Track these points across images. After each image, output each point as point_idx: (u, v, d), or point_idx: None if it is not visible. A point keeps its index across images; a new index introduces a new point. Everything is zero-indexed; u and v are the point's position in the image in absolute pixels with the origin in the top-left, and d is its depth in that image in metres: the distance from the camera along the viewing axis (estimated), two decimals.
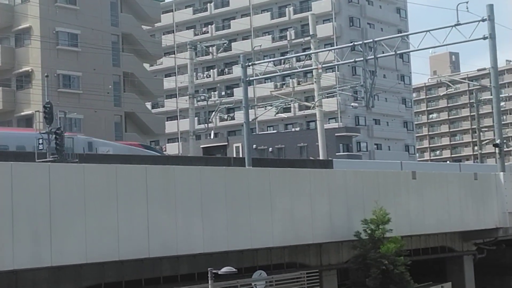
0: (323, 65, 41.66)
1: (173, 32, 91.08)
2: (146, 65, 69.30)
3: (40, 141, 28.86)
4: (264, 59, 53.77)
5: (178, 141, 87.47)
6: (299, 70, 45.16)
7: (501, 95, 43.48)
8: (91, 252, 18.56)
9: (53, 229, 17.92)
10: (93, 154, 33.60)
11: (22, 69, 54.12)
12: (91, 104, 53.36)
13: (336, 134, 67.76)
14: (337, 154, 64.99)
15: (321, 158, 42.17)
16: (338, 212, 25.13)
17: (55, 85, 51.96)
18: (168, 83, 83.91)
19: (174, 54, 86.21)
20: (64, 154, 28.17)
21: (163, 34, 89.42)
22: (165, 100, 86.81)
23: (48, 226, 17.86)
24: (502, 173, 31.31)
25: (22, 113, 53.72)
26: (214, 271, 18.61)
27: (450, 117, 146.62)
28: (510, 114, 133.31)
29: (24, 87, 54.07)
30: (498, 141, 31.77)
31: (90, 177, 18.94)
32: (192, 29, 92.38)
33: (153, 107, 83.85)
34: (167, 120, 75.75)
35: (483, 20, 32.40)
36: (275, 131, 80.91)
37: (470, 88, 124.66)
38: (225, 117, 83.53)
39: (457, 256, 32.98)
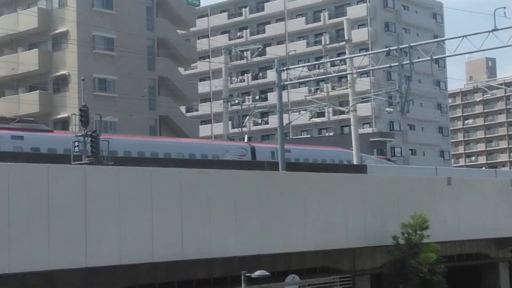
0: (358, 70, 41.46)
1: (208, 37, 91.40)
2: (181, 69, 69.62)
3: (76, 143, 29.12)
4: (298, 64, 53.67)
5: None
6: (334, 75, 44.98)
7: None
8: (125, 253, 18.69)
9: (88, 231, 18.07)
10: (128, 157, 33.79)
11: (59, 73, 54.71)
12: (126, 107, 53.76)
13: (370, 139, 67.48)
14: None
15: (355, 163, 41.97)
16: (372, 217, 25.03)
17: (91, 89, 52.45)
18: (203, 87, 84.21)
19: (209, 58, 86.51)
20: (99, 156, 28.40)
21: (198, 39, 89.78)
22: (199, 104, 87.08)
23: (84, 228, 18.02)
24: None
25: (59, 116, 54.29)
26: (247, 274, 18.63)
27: (486, 123, 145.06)
28: None
29: (61, 91, 54.63)
30: None
31: (125, 180, 19.09)
32: (227, 34, 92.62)
33: (187, 111, 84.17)
34: (201, 124, 76.00)
35: None
36: (309, 136, 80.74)
37: (506, 94, 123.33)
38: (259, 122, 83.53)
39: (492, 263, 32.63)
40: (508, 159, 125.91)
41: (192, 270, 21.64)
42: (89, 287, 19.60)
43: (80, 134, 29.03)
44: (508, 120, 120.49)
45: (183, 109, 71.35)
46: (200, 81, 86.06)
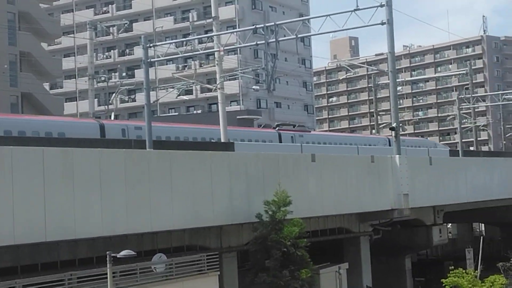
0: (225, 48, 41.61)
1: (73, 11, 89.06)
2: (44, 45, 67.56)
3: None
4: (166, 41, 53.24)
5: None
6: (201, 52, 44.99)
7: (397, 80, 44.55)
8: None
9: None
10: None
11: None
12: None
13: (237, 117, 67.85)
14: None
15: (222, 140, 42.18)
16: (239, 194, 25.27)
17: None
18: (67, 64, 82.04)
19: (74, 33, 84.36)
20: None
21: (62, 13, 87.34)
22: (64, 81, 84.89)
23: None
24: (398, 156, 32.14)
25: None
26: (113, 254, 18.41)
27: (349, 101, 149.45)
28: (406, 98, 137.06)
29: None
30: (394, 125, 32.58)
31: None
32: (92, 9, 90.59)
33: (51, 88, 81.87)
34: (65, 102, 74.07)
35: (381, 6, 33.06)
36: (176, 114, 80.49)
37: (368, 73, 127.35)
38: (126, 99, 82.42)
39: (354, 237, 33.77)
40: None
41: (56, 251, 21.16)
42: None
43: None
44: (370, 98, 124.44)
45: (46, 86, 69.39)
46: (64, 57, 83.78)
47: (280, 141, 48.78)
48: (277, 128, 51.18)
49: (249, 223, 25.83)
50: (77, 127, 38.75)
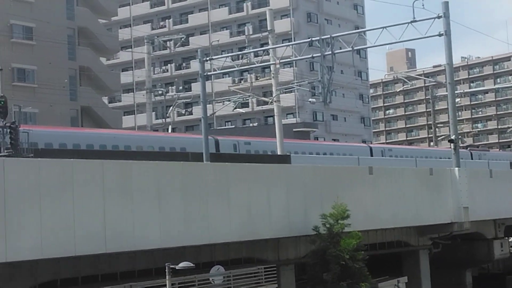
0: (281, 61, 41.76)
1: (130, 26, 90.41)
2: (103, 59, 68.71)
3: None
4: (222, 54, 53.67)
5: None
6: (257, 65, 45.19)
7: (456, 92, 44.03)
8: (47, 247, 18.33)
9: (8, 225, 17.65)
10: (48, 149, 33.14)
11: None
12: (46, 98, 52.71)
13: (294, 130, 67.96)
14: None
15: (279, 153, 42.22)
16: (296, 207, 25.18)
17: (10, 79, 51.23)
18: (125, 78, 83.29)
19: (131, 48, 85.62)
20: (19, 148, 27.78)
21: (120, 28, 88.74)
22: (122, 94, 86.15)
23: (3, 222, 17.58)
24: (457, 168, 31.68)
25: None
26: (171, 266, 18.53)
27: (406, 113, 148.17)
28: (465, 110, 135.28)
29: None
30: (453, 137, 32.14)
31: (46, 172, 18.69)
32: (150, 23, 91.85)
33: (110, 102, 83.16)
34: (124, 115, 75.24)
35: (438, 17, 32.74)
36: (233, 126, 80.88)
37: (426, 84, 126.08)
38: (183, 112, 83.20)
39: (412, 251, 33.31)
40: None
41: (116, 262, 21.40)
42: (9, 282, 19.16)
43: None
44: (428, 110, 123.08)
45: (105, 99, 70.46)
46: (122, 71, 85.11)
47: (371, 155, 52.50)
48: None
49: (306, 236, 25.72)
50: (199, 142, 40.24)
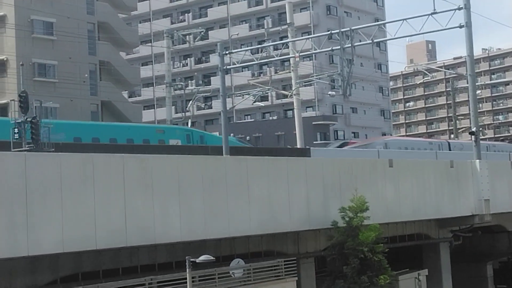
0: (300, 54, 41.67)
1: (150, 21, 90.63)
2: (123, 54, 68.94)
3: (16, 130, 28.59)
4: (241, 48, 53.67)
5: None
6: (276, 58, 45.14)
7: (477, 84, 43.77)
8: (68, 241, 18.48)
9: (30, 219, 17.81)
10: (69, 143, 33.35)
11: None
12: (67, 93, 53.01)
13: (313, 123, 67.99)
14: (314, 142, 65.11)
15: (298, 146, 42.23)
16: (316, 200, 25.19)
17: (31, 74, 51.55)
18: (145, 72, 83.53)
19: (151, 42, 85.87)
20: (40, 143, 27.97)
21: (140, 23, 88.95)
22: (142, 89, 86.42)
23: (25, 216, 17.74)
24: (478, 160, 31.53)
25: None
26: (192, 259, 18.61)
27: (426, 106, 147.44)
28: (486, 102, 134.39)
29: None
30: (474, 129, 31.98)
31: (66, 166, 18.82)
32: (169, 18, 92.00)
33: (130, 96, 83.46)
34: (144, 109, 75.44)
35: (459, 9, 32.54)
36: (252, 120, 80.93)
37: (446, 77, 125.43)
38: (203, 106, 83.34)
39: (433, 243, 33.22)
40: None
41: (136, 256, 21.53)
42: (31, 275, 19.34)
43: (19, 121, 28.52)
44: (448, 102, 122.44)
45: (125, 94, 70.73)
46: (142, 66, 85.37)
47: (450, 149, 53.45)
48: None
49: (326, 229, 25.72)
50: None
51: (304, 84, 54.79)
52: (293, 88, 42.36)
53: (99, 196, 19.23)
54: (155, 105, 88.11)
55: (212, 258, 18.66)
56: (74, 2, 55.95)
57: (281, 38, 71.42)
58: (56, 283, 19.81)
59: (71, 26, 54.71)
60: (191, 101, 60.54)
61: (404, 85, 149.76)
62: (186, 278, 19.01)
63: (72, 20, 54.79)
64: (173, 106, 66.02)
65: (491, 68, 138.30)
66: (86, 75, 56.36)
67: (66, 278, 20.12)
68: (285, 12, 44.55)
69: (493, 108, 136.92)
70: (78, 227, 18.72)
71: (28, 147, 27.40)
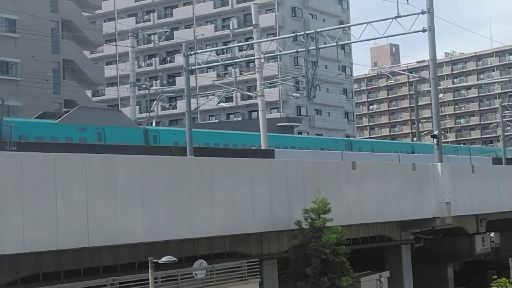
0: (265, 55, 41.66)
1: (115, 20, 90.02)
2: (87, 53, 68.37)
3: None
4: (206, 48, 53.52)
5: None
6: (242, 59, 45.11)
7: (439, 87, 44.20)
8: (29, 241, 18.29)
9: None
10: (32, 143, 33.01)
11: None
12: (30, 91, 52.40)
13: (278, 124, 67.94)
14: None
15: (262, 147, 42.24)
16: (279, 201, 25.26)
17: None
18: (109, 71, 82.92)
19: (115, 41, 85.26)
20: (1, 142, 27.66)
21: (104, 21, 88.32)
22: (106, 88, 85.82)
23: None
24: (439, 163, 31.87)
25: None
26: (154, 260, 18.54)
27: (390, 108, 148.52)
28: (448, 105, 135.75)
29: None
30: (436, 132, 32.31)
31: (28, 166, 18.63)
32: (134, 17, 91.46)
33: (93, 95, 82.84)
34: None
35: (422, 13, 32.86)
36: (217, 121, 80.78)
37: (409, 80, 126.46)
38: (167, 106, 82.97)
39: (395, 245, 33.52)
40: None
41: (98, 257, 21.39)
42: None
43: None
44: (411, 105, 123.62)
45: (89, 93, 70.17)
46: (106, 65, 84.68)
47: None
48: None
49: (289, 231, 25.81)
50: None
51: (269, 85, 54.85)
52: (258, 90, 42.37)
53: (61, 195, 19.07)
54: (119, 105, 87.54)
55: (175, 259, 18.61)
56: (38, 0, 55.36)
57: (246, 39, 71.38)
58: (16, 284, 19.59)
59: (35, 24, 54.12)
60: (155, 101, 60.16)
61: (368, 87, 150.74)
62: (148, 279, 18.93)
63: (36, 18, 54.21)
64: (137, 106, 65.67)
65: (453, 72, 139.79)
66: (50, 73, 55.78)
67: (27, 278, 19.91)
68: (251, 13, 44.55)
69: (455, 112, 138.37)
70: (39, 227, 18.54)
71: None
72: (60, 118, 37.39)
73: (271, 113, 77.29)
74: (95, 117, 39.42)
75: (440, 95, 49.60)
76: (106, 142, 37.38)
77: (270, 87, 66.25)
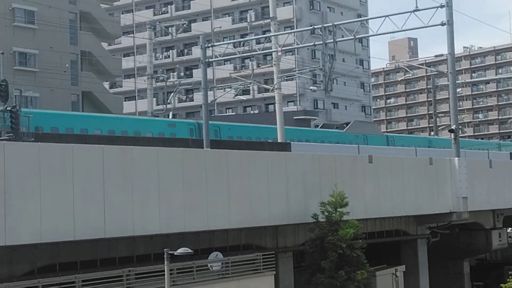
0: (283, 48, 41.61)
1: (132, 11, 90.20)
2: (104, 44, 68.54)
3: None
4: (223, 41, 53.56)
5: None
6: (259, 52, 45.08)
7: (457, 81, 43.96)
8: (46, 231, 18.39)
9: (8, 209, 17.70)
10: (49, 134, 33.14)
11: None
12: (47, 82, 52.64)
13: (294, 117, 67.80)
14: None
15: (279, 140, 42.18)
16: (295, 194, 25.24)
17: (11, 63, 51.12)
18: (127, 63, 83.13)
19: (133, 33, 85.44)
20: (19, 132, 27.81)
21: (122, 13, 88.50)
22: (123, 80, 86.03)
23: (3, 205, 17.64)
24: (456, 158, 31.72)
25: None
26: (170, 252, 18.60)
27: (407, 102, 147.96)
28: (466, 100, 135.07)
29: None
30: (453, 127, 32.16)
31: (46, 156, 18.72)
32: (152, 9, 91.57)
33: (111, 87, 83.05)
34: (125, 100, 75.07)
35: (441, 7, 32.69)
36: (233, 113, 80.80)
37: (427, 74, 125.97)
38: (184, 98, 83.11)
39: (411, 240, 33.42)
40: None
41: (114, 248, 21.48)
42: (9, 265, 19.25)
43: None
44: (429, 99, 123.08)
45: (106, 85, 70.34)
46: (124, 57, 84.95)
47: None
48: None
49: (305, 224, 25.79)
50: None
51: (286, 78, 54.81)
52: (275, 82, 42.31)
53: (78, 186, 19.15)
54: (136, 97, 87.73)
55: (191, 251, 18.66)
56: None
57: (264, 32, 71.31)
58: (33, 274, 19.72)
59: (53, 15, 54.27)
60: (172, 93, 60.34)
61: (385, 81, 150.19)
62: (164, 271, 19.00)
63: (54, 9, 54.38)
64: (155, 98, 65.89)
65: (472, 66, 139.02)
66: (67, 65, 55.96)
67: (43, 268, 20.04)
68: (268, 6, 44.47)
69: (473, 106, 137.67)
70: (56, 218, 18.64)
71: (7, 136, 27.23)
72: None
73: (288, 106, 77.21)
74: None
75: (458, 90, 49.35)
76: None
77: (287, 80, 66.15)
